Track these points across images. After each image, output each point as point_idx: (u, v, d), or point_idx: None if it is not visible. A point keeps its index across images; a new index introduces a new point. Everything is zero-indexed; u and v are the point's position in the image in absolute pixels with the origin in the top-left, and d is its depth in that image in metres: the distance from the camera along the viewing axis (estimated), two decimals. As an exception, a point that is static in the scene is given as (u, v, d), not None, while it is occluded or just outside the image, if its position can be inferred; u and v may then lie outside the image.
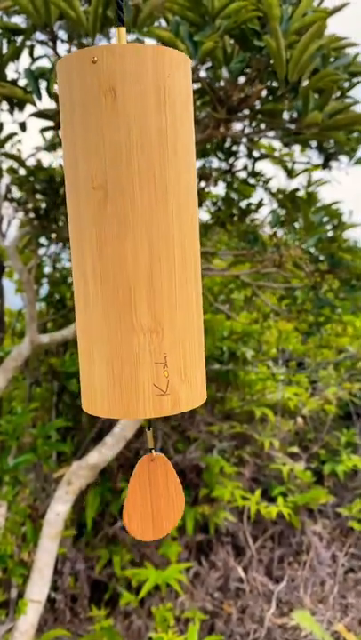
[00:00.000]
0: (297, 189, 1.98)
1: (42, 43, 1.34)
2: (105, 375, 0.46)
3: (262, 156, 2.01)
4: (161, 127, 0.44)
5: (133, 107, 0.43)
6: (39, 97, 1.18)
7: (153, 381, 0.45)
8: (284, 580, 2.37)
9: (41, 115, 1.33)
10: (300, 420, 2.98)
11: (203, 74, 1.32)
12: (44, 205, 1.88)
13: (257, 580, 2.34)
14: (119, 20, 0.48)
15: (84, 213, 0.45)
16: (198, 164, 2.10)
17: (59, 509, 1.70)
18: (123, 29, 0.48)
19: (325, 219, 1.97)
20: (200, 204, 2.25)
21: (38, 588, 1.62)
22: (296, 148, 2.02)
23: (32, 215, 1.88)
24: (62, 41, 1.38)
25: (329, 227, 1.98)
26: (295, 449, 2.81)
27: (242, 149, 1.99)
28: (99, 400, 0.47)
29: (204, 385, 0.50)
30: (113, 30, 1.38)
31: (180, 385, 0.47)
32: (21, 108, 1.37)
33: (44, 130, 1.61)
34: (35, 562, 1.66)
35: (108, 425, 2.22)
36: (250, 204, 2.09)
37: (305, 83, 1.12)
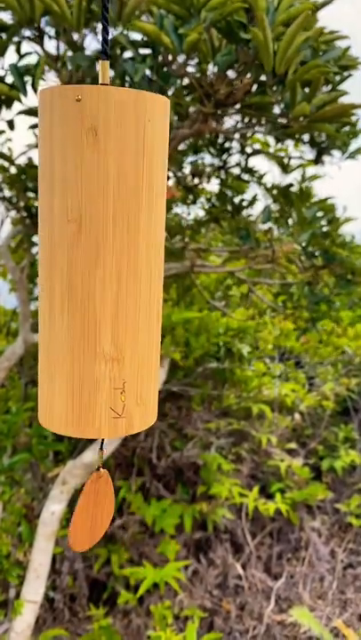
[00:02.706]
0: (291, 185, 1.97)
1: (29, 39, 1.33)
2: (64, 396, 0.48)
3: (255, 152, 2.00)
4: (138, 169, 0.46)
5: (113, 148, 0.45)
6: (24, 93, 1.17)
7: (110, 405, 0.48)
8: (283, 577, 2.36)
9: (29, 112, 1.32)
10: (297, 416, 2.98)
11: (190, 69, 1.31)
12: (35, 204, 1.87)
13: (256, 577, 2.33)
14: (104, 53, 0.49)
15: (57, 243, 0.46)
16: (191, 159, 2.10)
17: (54, 509, 1.69)
18: (106, 63, 0.49)
19: (319, 214, 1.96)
20: (194, 201, 2.24)
21: (34, 589, 1.61)
22: (290, 143, 2.01)
23: (24, 214, 1.87)
24: (50, 37, 1.37)
25: (323, 222, 1.98)
26: (293, 445, 2.80)
27: (235, 145, 1.98)
28: (56, 417, 0.49)
29: (156, 405, 0.53)
30: (99, 25, 1.37)
31: (135, 408, 0.49)
32: (9, 105, 1.36)
33: (33, 127, 1.60)
34: (30, 562, 1.65)
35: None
36: (243, 200, 2.08)
37: (292, 75, 1.11)
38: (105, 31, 0.50)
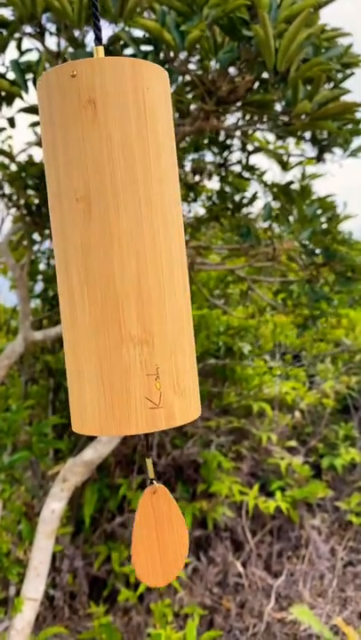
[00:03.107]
0: (291, 182, 1.97)
1: (30, 35, 1.33)
2: (95, 391, 0.44)
3: (256, 150, 2.00)
4: (142, 138, 0.44)
5: (114, 118, 0.44)
6: (26, 90, 1.16)
7: (145, 394, 0.44)
8: (283, 575, 2.36)
9: (30, 110, 1.31)
10: (297, 414, 2.98)
11: (192, 66, 1.30)
12: (36, 201, 1.87)
13: (256, 575, 2.33)
14: (96, 39, 0.49)
15: (68, 226, 0.45)
16: (192, 157, 2.09)
17: (54, 507, 1.69)
18: (100, 48, 0.48)
19: (319, 211, 1.95)
20: (195, 199, 2.23)
21: (34, 586, 1.61)
22: (291, 141, 2.01)
23: (24, 211, 1.87)
24: (51, 33, 1.37)
25: (323, 219, 1.97)
26: (293, 443, 2.80)
27: (236, 143, 1.98)
28: (89, 418, 0.45)
29: (198, 395, 0.49)
30: (101, 21, 1.36)
31: (173, 397, 0.45)
32: (9, 103, 1.36)
33: (33, 125, 1.59)
34: (30, 560, 1.65)
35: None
36: (244, 198, 2.07)
37: (294, 72, 1.11)
38: (96, 18, 0.50)
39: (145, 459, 0.51)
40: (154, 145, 0.45)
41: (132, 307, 0.44)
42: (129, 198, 0.44)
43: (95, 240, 0.44)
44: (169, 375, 0.45)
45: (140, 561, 0.50)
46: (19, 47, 1.31)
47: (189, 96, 1.44)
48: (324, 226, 1.96)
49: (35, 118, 1.43)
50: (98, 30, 0.50)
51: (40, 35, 1.28)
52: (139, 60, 0.45)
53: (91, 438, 2.24)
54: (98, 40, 0.49)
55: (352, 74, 1.41)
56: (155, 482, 0.50)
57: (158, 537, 0.51)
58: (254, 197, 2.07)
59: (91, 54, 1.23)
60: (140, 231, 0.44)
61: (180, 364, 0.46)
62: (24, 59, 1.27)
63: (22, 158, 1.99)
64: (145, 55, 1.15)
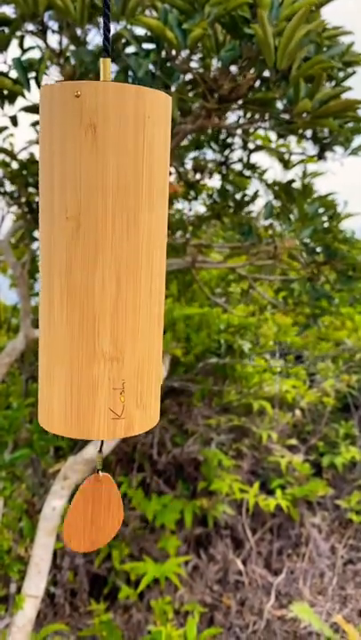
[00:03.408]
0: (292, 180, 1.97)
1: (32, 33, 1.33)
2: (63, 396, 0.47)
3: (258, 148, 2.00)
4: (137, 167, 0.45)
5: (112, 145, 0.44)
6: (28, 88, 1.16)
7: (109, 406, 0.47)
8: (283, 573, 2.37)
9: (32, 109, 1.31)
10: (298, 412, 2.98)
11: (194, 64, 1.30)
12: (37, 199, 1.87)
13: (256, 573, 2.34)
14: (105, 50, 0.49)
15: (56, 240, 0.46)
16: (193, 155, 2.09)
17: (55, 504, 1.70)
18: (108, 61, 0.48)
19: (321, 210, 1.95)
20: (195, 197, 2.24)
21: (35, 584, 1.62)
22: (292, 139, 2.01)
23: (25, 209, 1.87)
24: (53, 31, 1.37)
25: (324, 218, 1.97)
26: (293, 441, 2.81)
27: (237, 141, 1.98)
28: (55, 418, 0.48)
29: (157, 408, 0.52)
30: (102, 20, 1.36)
31: (134, 410, 0.48)
32: (12, 101, 1.36)
33: (35, 124, 1.59)
34: (31, 557, 1.65)
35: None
36: (245, 196, 2.08)
37: (295, 70, 1.11)
38: (106, 28, 0.50)
39: (97, 454, 0.56)
40: (148, 174, 0.46)
41: (108, 325, 0.46)
42: (117, 223, 0.45)
43: (80, 258, 0.45)
44: (134, 391, 0.48)
45: (69, 533, 0.55)
46: (21, 45, 1.31)
47: (191, 94, 1.44)
48: (326, 224, 1.96)
49: (36, 117, 1.43)
50: (107, 41, 0.49)
51: (42, 33, 1.28)
52: (142, 88, 0.45)
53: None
54: (106, 52, 0.49)
55: (353, 72, 1.41)
56: (100, 473, 0.55)
57: (93, 517, 0.56)
58: (255, 196, 2.07)
59: (93, 52, 1.23)
60: (123, 256, 0.46)
61: (145, 381, 0.49)
62: (26, 57, 1.27)
63: (23, 156, 1.99)
64: (147, 53, 1.15)
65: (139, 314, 0.47)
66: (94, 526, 0.56)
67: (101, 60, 0.48)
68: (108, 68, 0.48)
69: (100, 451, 0.55)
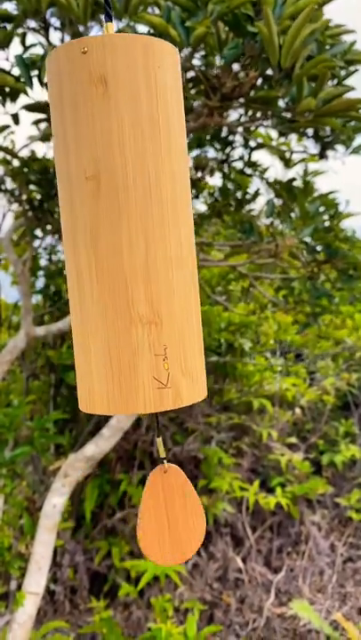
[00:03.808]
0: (294, 179, 1.97)
1: (34, 30, 1.32)
2: (103, 370, 0.44)
3: (259, 146, 2.00)
4: (153, 116, 0.44)
5: (124, 96, 0.43)
6: (30, 85, 1.16)
7: (153, 374, 0.44)
8: (283, 570, 2.37)
9: (34, 108, 1.31)
10: (298, 410, 2.98)
11: (196, 62, 1.30)
12: (38, 197, 1.87)
13: (256, 571, 2.34)
14: (107, 15, 0.49)
15: (77, 205, 0.44)
16: (194, 154, 2.09)
17: (55, 501, 1.70)
18: (111, 25, 0.48)
19: (322, 208, 1.96)
20: (197, 196, 2.23)
21: (36, 580, 1.62)
22: (293, 137, 2.01)
23: (26, 207, 1.87)
24: (55, 28, 1.36)
25: (325, 216, 1.97)
26: (293, 439, 2.81)
27: (238, 139, 1.98)
28: (97, 397, 0.45)
29: (204, 378, 0.49)
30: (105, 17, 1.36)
31: (180, 378, 0.45)
32: (14, 99, 1.36)
33: (36, 122, 1.59)
34: (32, 554, 1.65)
35: (105, 417, 2.22)
36: (246, 194, 2.08)
37: (299, 69, 1.11)
38: None
39: (156, 438, 0.51)
40: (164, 123, 0.45)
41: (141, 286, 0.44)
42: (138, 177, 0.43)
43: (104, 219, 0.43)
44: (177, 356, 0.45)
45: (146, 540, 0.50)
46: (23, 42, 1.31)
47: (193, 92, 1.44)
48: (327, 223, 1.96)
49: (39, 116, 1.43)
50: (109, 6, 0.49)
51: (44, 30, 1.27)
52: (150, 37, 0.44)
53: (92, 433, 2.25)
54: (108, 16, 0.48)
55: (356, 71, 1.41)
56: (165, 462, 0.50)
57: (169, 517, 0.51)
58: (257, 194, 2.07)
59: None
60: (149, 210, 0.44)
61: (188, 345, 0.46)
62: (28, 54, 1.27)
63: (24, 154, 1.99)
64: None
65: (172, 272, 0.45)
66: (176, 529, 0.50)
67: (105, 23, 0.48)
68: (112, 30, 0.48)
69: (158, 435, 0.50)
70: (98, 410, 0.45)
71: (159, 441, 0.51)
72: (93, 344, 0.45)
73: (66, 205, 0.46)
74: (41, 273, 2.43)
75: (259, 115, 1.49)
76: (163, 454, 0.50)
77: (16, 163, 1.77)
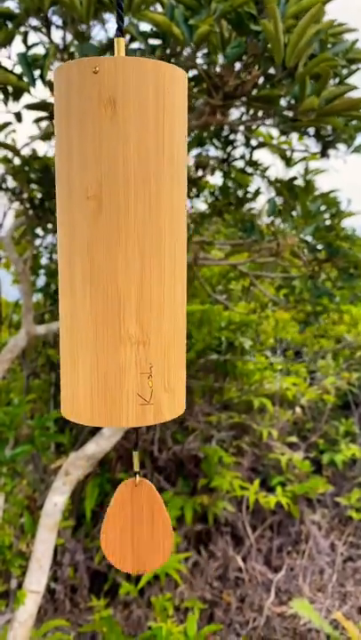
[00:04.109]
0: (295, 178, 1.97)
1: (36, 29, 1.32)
2: (89, 384, 0.46)
3: (260, 145, 2.00)
4: (158, 141, 0.45)
5: (133, 119, 0.44)
6: (33, 84, 1.16)
7: (137, 391, 0.45)
8: (283, 570, 2.37)
9: (37, 107, 1.31)
10: (298, 409, 2.98)
11: (199, 60, 1.30)
12: (39, 195, 1.86)
13: (256, 570, 2.34)
14: (118, 29, 0.49)
15: (77, 222, 0.45)
16: (195, 152, 2.09)
17: (56, 500, 1.70)
18: (122, 40, 0.48)
19: (323, 207, 1.95)
20: (198, 194, 2.23)
21: (36, 579, 1.62)
22: (294, 136, 2.00)
23: (27, 205, 1.86)
24: (57, 27, 1.36)
25: (327, 215, 1.97)
26: (294, 439, 2.81)
27: (239, 138, 1.98)
28: (82, 408, 0.46)
29: (184, 393, 0.51)
30: (107, 15, 1.36)
31: (163, 394, 0.47)
32: (16, 97, 1.35)
33: (38, 120, 1.59)
34: (33, 552, 1.65)
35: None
36: (247, 193, 2.07)
37: (302, 68, 1.11)
38: (119, 6, 0.49)
39: (133, 452, 0.53)
40: (168, 149, 0.45)
41: (133, 306, 0.45)
42: (139, 200, 0.44)
43: (103, 238, 0.44)
44: (161, 374, 0.47)
45: (107, 544, 0.52)
46: (25, 41, 1.31)
47: (195, 90, 1.43)
48: (328, 222, 1.96)
49: (40, 114, 1.43)
50: (120, 20, 0.49)
51: (46, 28, 1.27)
52: (160, 61, 0.45)
53: (93, 432, 2.25)
54: (120, 31, 0.48)
55: (357, 69, 1.41)
56: (138, 475, 0.52)
57: (134, 530, 0.52)
58: (258, 193, 2.07)
59: (97, 48, 1.23)
60: (147, 233, 0.45)
61: (173, 363, 0.48)
62: (30, 53, 1.27)
63: (26, 152, 1.99)
64: (153, 49, 1.14)
65: (164, 293, 0.46)
66: (140, 541, 0.52)
67: (115, 39, 0.48)
68: (122, 47, 0.48)
69: (136, 448, 0.51)
70: (82, 419, 0.47)
71: (135, 454, 0.52)
72: (82, 358, 0.46)
73: (65, 221, 0.46)
74: (42, 271, 2.43)
75: (261, 113, 1.48)
76: (137, 468, 0.52)
77: (17, 161, 1.77)
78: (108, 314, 0.45)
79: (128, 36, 1.21)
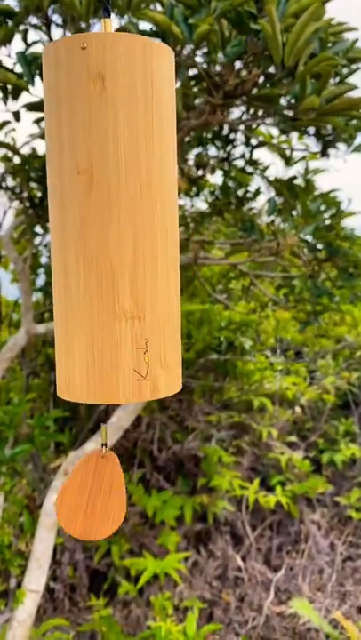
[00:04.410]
0: (295, 177, 1.96)
1: (35, 27, 1.32)
2: (85, 361, 0.46)
3: (260, 144, 1.99)
4: (147, 115, 0.45)
5: (121, 94, 0.44)
6: (32, 83, 1.16)
7: (133, 367, 0.46)
8: (283, 569, 2.37)
9: (36, 107, 1.30)
10: (298, 409, 2.98)
11: (199, 59, 1.30)
12: (39, 194, 1.86)
13: (255, 569, 2.34)
14: (105, 10, 0.49)
15: (68, 198, 0.45)
16: (195, 152, 2.08)
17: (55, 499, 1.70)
18: (109, 20, 0.48)
19: (323, 207, 1.95)
20: (198, 193, 2.23)
21: (36, 578, 1.62)
22: (294, 135, 2.00)
23: (27, 204, 1.86)
24: (57, 25, 1.36)
25: (327, 215, 1.97)
26: (293, 438, 2.81)
27: (239, 137, 1.97)
28: (77, 385, 0.46)
29: (180, 371, 0.51)
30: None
31: (159, 370, 0.47)
32: (15, 96, 1.35)
33: (38, 121, 1.59)
34: (32, 552, 1.65)
35: (106, 415, 2.21)
36: (247, 193, 2.07)
37: (302, 67, 1.11)
38: None
39: (102, 425, 0.54)
40: (157, 123, 0.45)
41: (127, 281, 0.45)
42: (130, 174, 0.44)
43: (95, 213, 0.44)
44: (157, 349, 0.47)
45: (61, 508, 0.52)
46: (24, 39, 1.31)
47: (195, 89, 1.43)
48: (328, 222, 1.96)
49: (40, 115, 1.43)
50: (107, 2, 0.50)
51: (46, 27, 1.27)
52: (149, 39, 0.45)
53: (92, 431, 2.25)
54: (106, 12, 0.49)
55: (358, 69, 1.41)
56: (105, 448, 0.52)
57: (90, 497, 0.53)
58: (258, 192, 2.07)
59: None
60: (138, 207, 0.45)
61: (168, 339, 0.48)
62: (29, 51, 1.26)
63: (25, 151, 1.98)
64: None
65: (157, 269, 0.46)
66: (93, 510, 0.53)
67: (103, 19, 0.48)
68: (110, 26, 0.48)
69: (105, 421, 0.52)
70: (77, 397, 0.47)
71: (103, 427, 0.53)
72: (77, 336, 0.46)
73: (56, 198, 0.46)
74: (41, 270, 2.43)
75: (261, 113, 1.48)
76: (104, 440, 0.53)
77: (17, 160, 1.77)
78: (102, 290, 0.45)
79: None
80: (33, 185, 1.82)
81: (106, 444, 0.53)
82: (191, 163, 2.13)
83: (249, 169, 2.05)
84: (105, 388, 0.45)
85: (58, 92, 0.45)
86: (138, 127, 0.44)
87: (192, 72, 1.32)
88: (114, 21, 1.33)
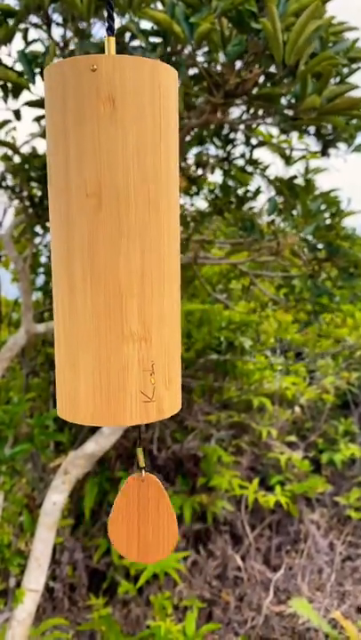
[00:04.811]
0: (295, 177, 1.96)
1: (36, 26, 1.32)
2: (91, 382, 0.45)
3: (260, 144, 1.99)
4: (155, 138, 0.45)
5: (131, 117, 0.44)
6: (33, 81, 1.16)
7: (140, 389, 0.46)
8: (282, 569, 2.37)
9: (36, 104, 1.30)
10: (297, 409, 2.98)
11: (200, 58, 1.30)
12: (39, 193, 1.86)
13: (255, 569, 2.34)
14: (109, 29, 0.49)
15: (76, 220, 0.45)
16: (195, 151, 2.08)
17: (55, 499, 1.70)
18: (112, 39, 0.48)
19: (323, 206, 1.95)
20: (198, 192, 2.23)
21: (35, 578, 1.62)
22: (294, 135, 2.00)
23: (27, 203, 1.86)
24: (57, 24, 1.36)
25: (327, 214, 1.97)
26: (293, 438, 2.81)
27: (239, 137, 1.97)
28: (82, 407, 0.46)
29: (180, 391, 0.51)
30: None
31: (164, 391, 0.47)
32: (16, 95, 1.35)
33: (38, 119, 1.59)
34: (32, 551, 1.65)
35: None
36: (247, 192, 2.07)
37: (303, 66, 1.10)
38: (110, 6, 0.50)
39: (137, 448, 0.54)
40: (165, 145, 0.46)
41: (135, 303, 0.45)
42: (139, 196, 0.44)
43: (103, 234, 0.44)
44: (162, 371, 0.47)
45: (114, 536, 0.53)
46: (25, 38, 1.30)
47: (195, 89, 1.43)
48: (328, 221, 1.96)
49: (40, 112, 1.42)
50: (111, 20, 0.49)
51: (47, 26, 1.27)
52: (156, 60, 0.45)
53: (92, 431, 2.24)
54: (110, 30, 0.49)
55: (358, 68, 1.40)
56: (144, 471, 0.52)
57: (140, 523, 0.53)
58: (258, 192, 2.07)
59: (97, 46, 1.23)
60: (147, 229, 0.45)
61: (171, 360, 0.48)
62: (29, 49, 1.26)
63: (26, 150, 1.98)
64: (153, 47, 1.14)
65: (163, 292, 0.46)
66: (146, 539, 0.53)
67: (106, 38, 0.48)
68: (113, 46, 0.48)
69: (139, 444, 0.52)
70: (81, 419, 0.46)
71: (139, 450, 0.53)
72: (82, 355, 0.45)
73: (62, 220, 0.46)
74: (41, 270, 2.43)
75: (261, 112, 1.48)
76: (142, 464, 0.52)
77: (17, 159, 1.77)
78: (109, 310, 0.44)
79: (128, 34, 1.21)
80: (33, 184, 1.82)
81: (144, 468, 0.52)
82: (191, 162, 2.13)
83: (249, 168, 2.05)
84: (112, 410, 0.45)
85: (65, 113, 0.45)
86: (147, 147, 0.45)
87: (193, 71, 1.32)
88: (115, 20, 1.32)
